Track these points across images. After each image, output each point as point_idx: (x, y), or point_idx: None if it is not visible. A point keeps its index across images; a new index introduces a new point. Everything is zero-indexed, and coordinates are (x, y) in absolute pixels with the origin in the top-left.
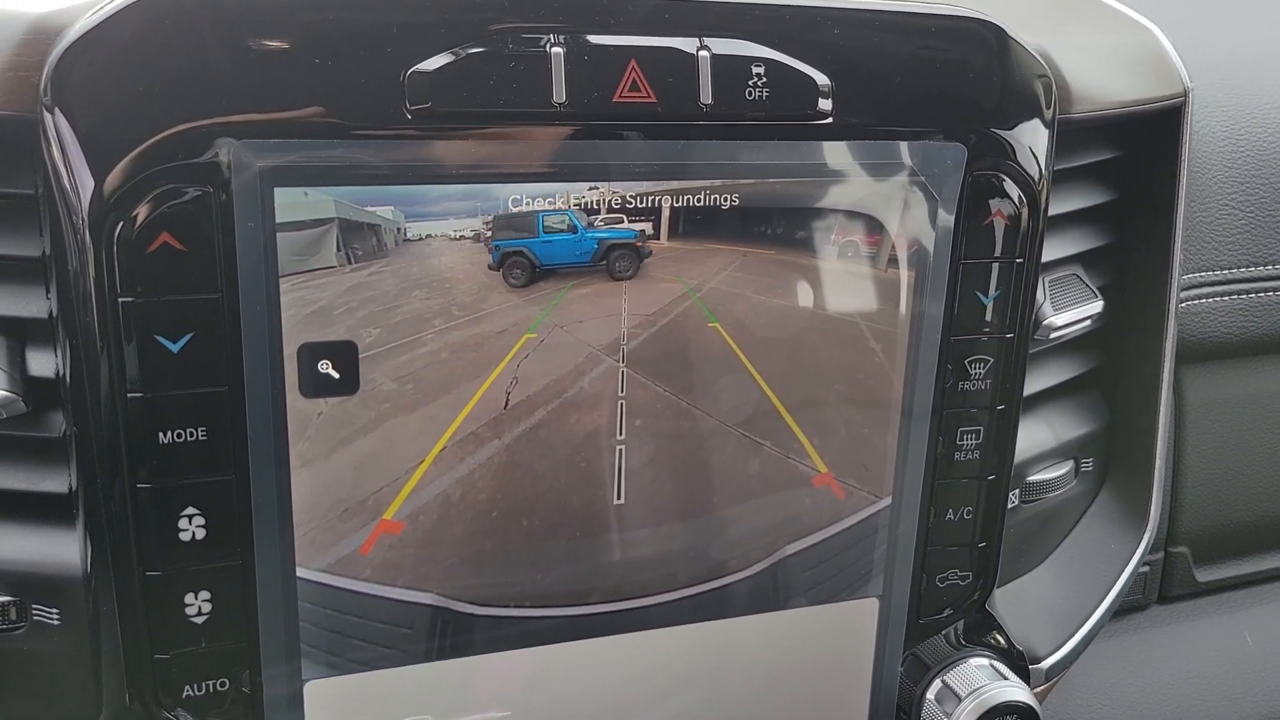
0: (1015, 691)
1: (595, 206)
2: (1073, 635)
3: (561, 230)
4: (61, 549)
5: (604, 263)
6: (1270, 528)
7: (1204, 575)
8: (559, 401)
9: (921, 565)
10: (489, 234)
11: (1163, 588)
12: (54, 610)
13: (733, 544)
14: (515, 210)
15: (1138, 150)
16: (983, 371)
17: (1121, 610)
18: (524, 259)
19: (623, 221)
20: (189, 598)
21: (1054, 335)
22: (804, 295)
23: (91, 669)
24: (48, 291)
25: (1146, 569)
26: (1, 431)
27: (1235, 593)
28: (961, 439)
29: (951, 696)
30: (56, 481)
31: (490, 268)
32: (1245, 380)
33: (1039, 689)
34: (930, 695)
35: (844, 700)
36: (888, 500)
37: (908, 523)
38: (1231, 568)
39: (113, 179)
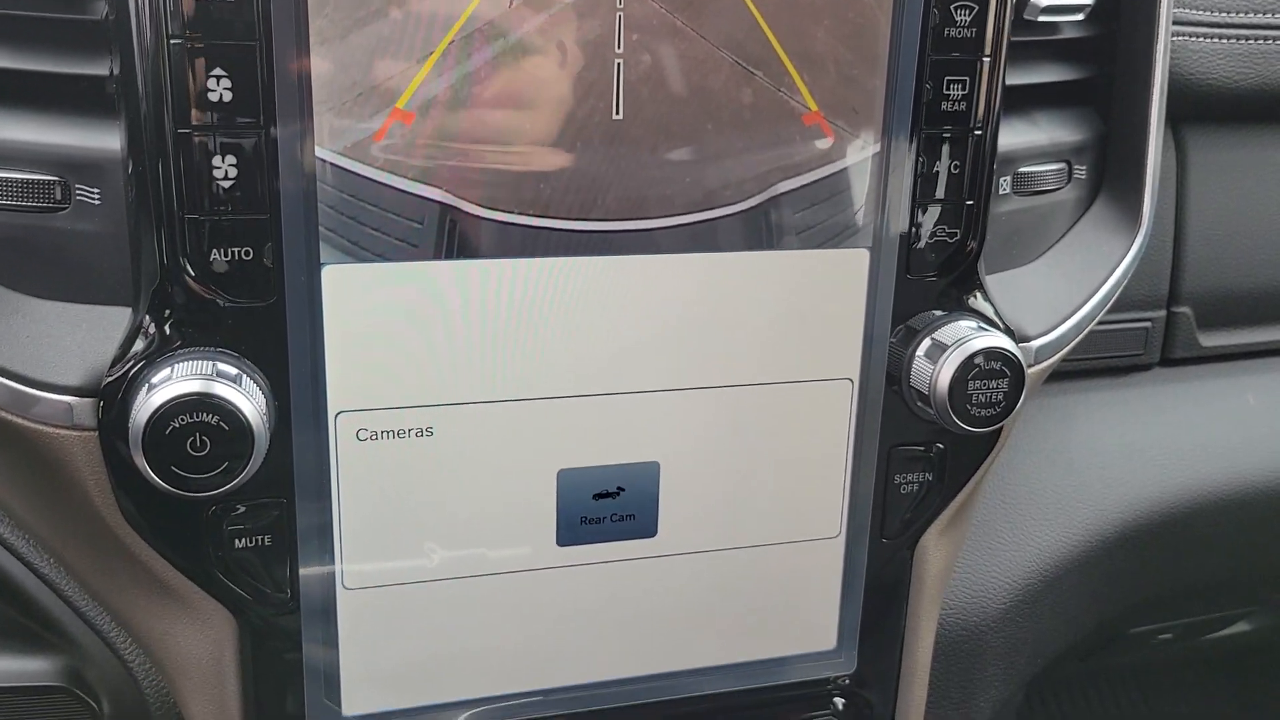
0: (1002, 339)
1: None
2: (1064, 321)
3: None
4: (103, 135)
5: None
6: (1274, 298)
7: (1208, 340)
8: (561, 6)
9: (910, 218)
10: None
11: (1165, 348)
12: (95, 190)
13: (726, 172)
14: None
15: None
16: (968, 19)
17: (1124, 369)
18: None
19: None
20: (216, 160)
21: (1041, 17)
22: None
23: (130, 245)
24: None
25: (1149, 325)
26: (47, 14)
27: (1240, 361)
28: (948, 88)
29: (938, 349)
30: (98, 66)
31: None
32: (1249, 145)
33: (1030, 370)
34: (919, 353)
35: (837, 353)
36: (876, 148)
37: (896, 172)
38: (1236, 335)
39: None
